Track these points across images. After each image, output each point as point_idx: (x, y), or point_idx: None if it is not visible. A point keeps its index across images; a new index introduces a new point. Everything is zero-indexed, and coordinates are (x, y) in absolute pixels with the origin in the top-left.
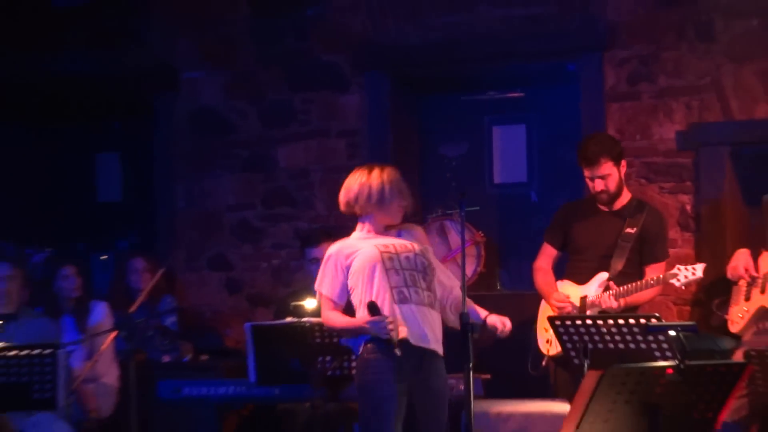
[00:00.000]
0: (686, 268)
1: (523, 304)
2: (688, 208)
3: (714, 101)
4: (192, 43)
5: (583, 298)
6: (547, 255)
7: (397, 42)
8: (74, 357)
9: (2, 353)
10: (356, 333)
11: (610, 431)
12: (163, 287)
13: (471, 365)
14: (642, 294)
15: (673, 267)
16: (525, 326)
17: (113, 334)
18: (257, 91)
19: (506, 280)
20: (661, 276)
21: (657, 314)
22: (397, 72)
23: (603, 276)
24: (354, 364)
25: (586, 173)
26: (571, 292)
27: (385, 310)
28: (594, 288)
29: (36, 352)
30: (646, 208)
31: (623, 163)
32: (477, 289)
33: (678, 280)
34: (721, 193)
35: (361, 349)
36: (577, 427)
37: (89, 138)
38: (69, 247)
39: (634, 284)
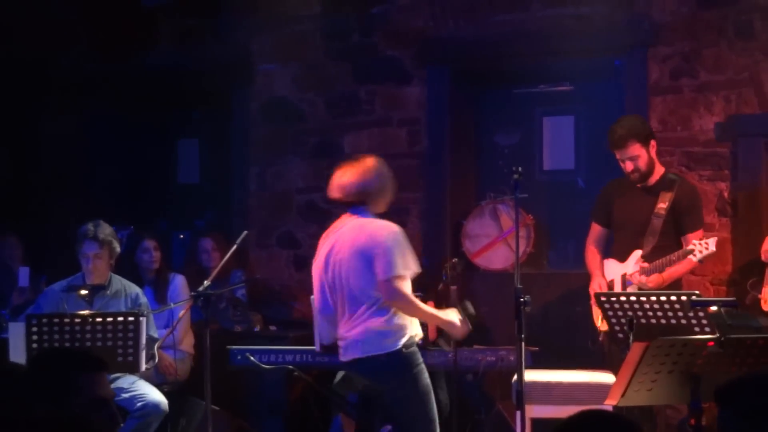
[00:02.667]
0: (700, 243)
1: (569, 282)
2: (726, 194)
3: (751, 95)
4: (267, 38)
5: (623, 276)
6: (594, 233)
7: (455, 38)
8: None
9: (91, 320)
10: (434, 323)
11: (653, 398)
12: (235, 263)
13: (523, 337)
14: (674, 269)
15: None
16: (571, 303)
17: (189, 305)
18: (326, 82)
19: (554, 260)
20: (681, 251)
21: (697, 291)
22: (456, 66)
23: (637, 253)
24: None
25: (617, 156)
26: (614, 269)
27: None
28: (631, 265)
29: (120, 319)
30: (677, 182)
31: (652, 143)
32: (526, 268)
33: (694, 255)
34: (757, 181)
35: (399, 345)
36: (623, 394)
37: (172, 126)
38: (151, 225)
39: (660, 261)
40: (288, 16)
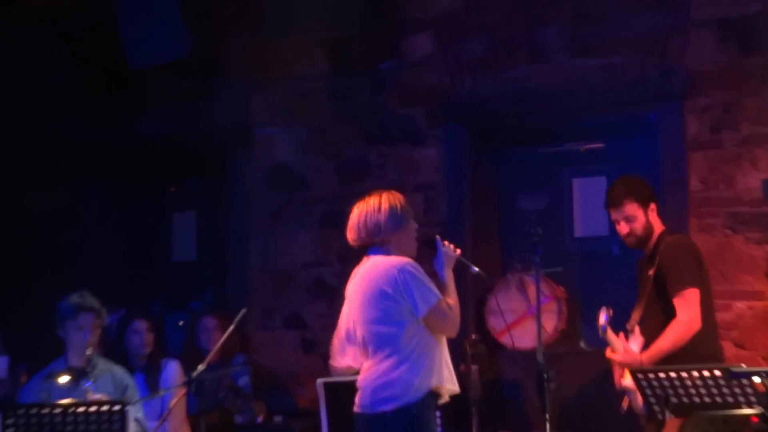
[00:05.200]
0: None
1: (607, 361)
2: None
3: None
4: (267, 99)
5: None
6: None
7: (473, 93)
8: (144, 416)
9: (71, 410)
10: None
11: None
12: (237, 346)
13: (548, 417)
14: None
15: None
16: (610, 384)
17: (183, 392)
18: (333, 146)
19: (589, 337)
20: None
21: (742, 365)
22: (474, 124)
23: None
24: None
25: (612, 215)
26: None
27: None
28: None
29: (104, 408)
30: (663, 243)
31: (652, 206)
32: (558, 347)
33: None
34: None
35: (416, 400)
36: None
37: (166, 197)
38: (144, 307)
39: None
40: (290, 75)
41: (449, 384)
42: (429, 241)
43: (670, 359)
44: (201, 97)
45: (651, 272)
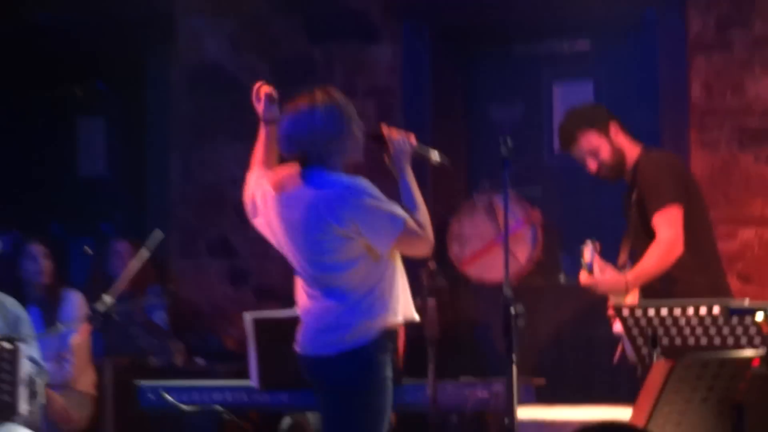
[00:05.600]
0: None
1: (589, 297)
2: None
3: None
4: None
5: None
6: None
7: None
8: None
9: None
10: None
11: None
12: (151, 275)
13: (515, 358)
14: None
15: None
16: (591, 323)
17: (86, 329)
18: (270, 42)
19: (569, 269)
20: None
21: (745, 300)
22: (439, 19)
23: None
24: None
25: (575, 156)
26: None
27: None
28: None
29: None
30: (640, 164)
31: (613, 127)
32: (534, 280)
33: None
34: None
35: (367, 342)
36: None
37: (70, 100)
38: (42, 229)
39: None
40: None
41: (406, 313)
42: (376, 135)
43: (664, 295)
44: None
45: (634, 196)
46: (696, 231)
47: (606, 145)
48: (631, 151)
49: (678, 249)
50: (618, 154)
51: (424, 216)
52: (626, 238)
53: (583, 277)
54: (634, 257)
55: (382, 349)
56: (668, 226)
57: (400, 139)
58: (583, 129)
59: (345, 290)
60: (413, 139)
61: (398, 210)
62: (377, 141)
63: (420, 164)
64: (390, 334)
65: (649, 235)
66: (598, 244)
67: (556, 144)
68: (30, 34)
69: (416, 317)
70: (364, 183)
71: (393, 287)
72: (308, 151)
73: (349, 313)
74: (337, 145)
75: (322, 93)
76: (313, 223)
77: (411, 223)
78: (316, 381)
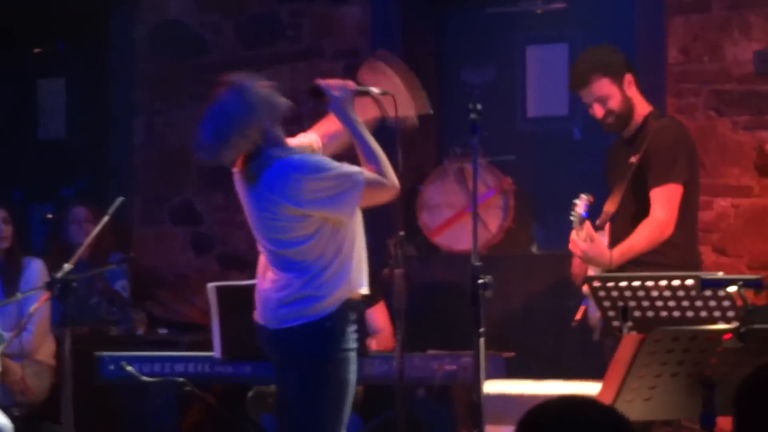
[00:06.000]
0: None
1: (561, 268)
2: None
3: None
4: None
5: None
6: None
7: None
8: None
9: None
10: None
11: (652, 411)
12: (112, 242)
13: (482, 331)
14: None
15: None
16: (563, 294)
17: (45, 296)
18: (236, 0)
19: (541, 239)
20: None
21: (720, 273)
22: None
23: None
24: None
25: (582, 99)
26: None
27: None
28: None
29: None
30: (651, 126)
31: (628, 77)
32: (505, 250)
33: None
34: None
35: (328, 313)
36: (612, 406)
37: (28, 60)
38: (1, 195)
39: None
40: None
41: (363, 286)
42: (313, 90)
43: (638, 266)
44: None
45: (634, 159)
46: (685, 208)
47: (618, 95)
48: (641, 107)
49: (669, 230)
50: (627, 106)
51: (383, 162)
52: (613, 196)
53: (573, 239)
54: (617, 216)
55: (344, 321)
56: (665, 204)
57: (338, 87)
58: (598, 75)
59: (304, 264)
60: (351, 84)
61: (351, 168)
62: (316, 96)
63: (388, 131)
64: (352, 305)
65: (637, 200)
66: (591, 197)
67: (530, 109)
68: None
69: (365, 290)
70: (312, 158)
71: (351, 259)
72: (243, 142)
73: (308, 286)
74: (265, 122)
75: (222, 86)
76: (267, 205)
77: (369, 175)
78: (278, 353)
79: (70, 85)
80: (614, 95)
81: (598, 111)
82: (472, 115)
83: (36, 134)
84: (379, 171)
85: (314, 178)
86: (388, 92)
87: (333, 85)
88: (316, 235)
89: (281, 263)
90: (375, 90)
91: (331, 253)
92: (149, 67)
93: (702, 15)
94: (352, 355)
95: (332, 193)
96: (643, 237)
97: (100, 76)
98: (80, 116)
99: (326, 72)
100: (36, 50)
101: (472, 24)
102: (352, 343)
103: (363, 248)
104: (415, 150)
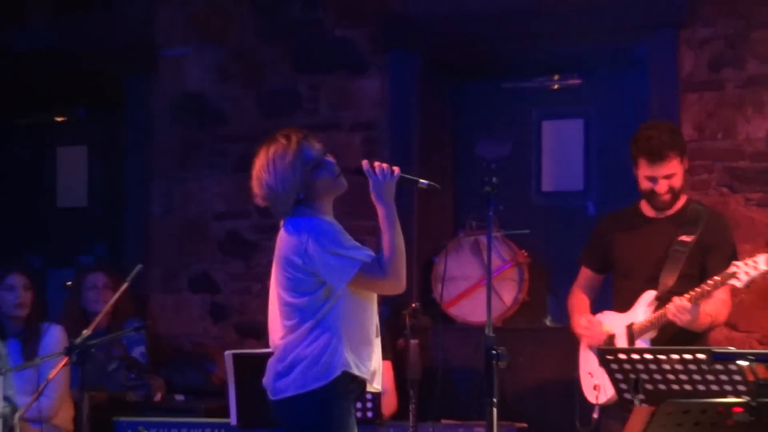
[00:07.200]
0: (746, 263)
1: (575, 341)
2: None
3: None
4: (176, 12)
5: (630, 326)
6: (582, 279)
7: (427, 14)
8: (18, 391)
9: None
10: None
11: None
12: (131, 309)
13: (495, 402)
14: (710, 309)
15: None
16: (576, 367)
17: (63, 362)
18: (255, 72)
19: (555, 311)
20: (719, 277)
21: (730, 348)
22: (427, 51)
23: (650, 295)
24: None
25: (647, 172)
26: (614, 322)
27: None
28: (641, 311)
29: None
30: (706, 212)
31: (686, 161)
32: (519, 322)
33: (738, 279)
34: None
35: (321, 384)
36: None
37: (50, 128)
38: (21, 260)
39: (694, 291)
40: None
41: (372, 382)
42: (356, 170)
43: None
44: (94, 6)
45: (686, 239)
46: None
47: (681, 176)
48: (683, 190)
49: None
50: (682, 188)
51: (396, 256)
52: (669, 269)
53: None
54: (682, 283)
55: (341, 393)
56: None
57: (381, 172)
58: (676, 152)
59: (302, 323)
60: (397, 171)
61: (357, 252)
62: (359, 175)
63: (406, 200)
64: (353, 380)
65: (697, 277)
66: None
67: (545, 183)
68: (8, 61)
69: (379, 390)
70: (327, 226)
71: (357, 335)
72: (284, 201)
73: (300, 350)
74: (302, 190)
75: (269, 142)
76: (282, 261)
77: (370, 265)
78: (280, 422)
79: (90, 154)
80: (679, 175)
81: (662, 186)
82: (488, 189)
83: (55, 201)
84: (386, 262)
85: (316, 243)
86: (434, 185)
87: (377, 168)
88: (314, 295)
89: (283, 323)
90: (422, 181)
91: (331, 319)
92: (167, 137)
93: (716, 93)
94: (349, 426)
95: (326, 263)
96: (723, 312)
97: (119, 145)
98: (100, 184)
99: (343, 144)
100: (58, 118)
101: (488, 98)
102: (350, 418)
103: (372, 335)
104: (432, 222)
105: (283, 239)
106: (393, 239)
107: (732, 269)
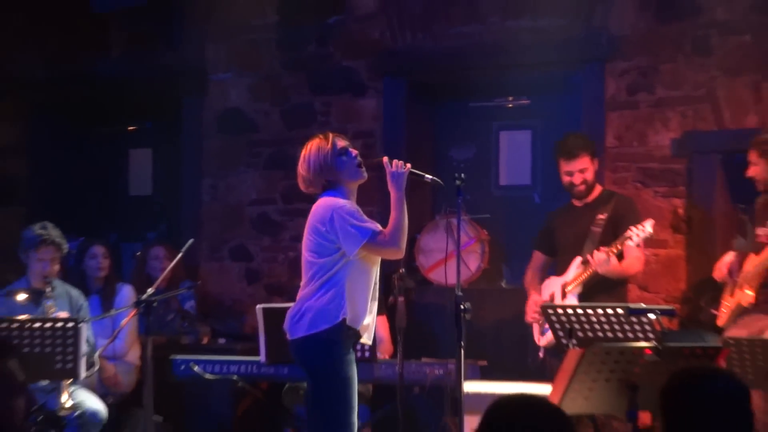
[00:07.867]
0: (638, 227)
1: (523, 299)
2: (680, 211)
3: (708, 111)
4: (221, 47)
5: (564, 285)
6: (535, 261)
7: (412, 49)
8: (98, 335)
9: (27, 325)
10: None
11: (590, 407)
12: (184, 274)
13: (462, 344)
14: (624, 263)
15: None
16: (524, 319)
17: (133, 313)
18: (280, 93)
19: (509, 276)
20: (620, 238)
21: (641, 304)
22: (412, 78)
23: (578, 260)
24: None
25: (565, 167)
26: (554, 283)
27: (367, 304)
28: (572, 272)
29: (59, 325)
30: (615, 196)
31: (596, 161)
32: (480, 284)
33: (632, 239)
34: (711, 198)
35: (326, 327)
36: (560, 402)
37: (125, 136)
38: (102, 237)
39: (605, 249)
40: (243, 25)
41: (363, 334)
42: (378, 163)
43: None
44: (158, 43)
45: (601, 216)
46: None
47: (592, 171)
48: (598, 186)
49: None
50: (594, 182)
51: (399, 231)
52: (589, 243)
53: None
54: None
55: (343, 338)
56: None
57: (396, 167)
58: (585, 152)
59: (316, 277)
60: (409, 166)
61: (369, 225)
62: (378, 168)
63: None
64: (350, 329)
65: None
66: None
67: (501, 179)
68: (93, 84)
69: (369, 342)
70: (347, 204)
71: (357, 294)
72: (316, 181)
73: (311, 301)
74: (330, 175)
75: (310, 143)
76: (310, 229)
77: (380, 236)
78: (295, 358)
79: (154, 155)
80: (590, 170)
81: (576, 178)
82: (457, 183)
83: (128, 191)
84: (392, 235)
85: (337, 215)
86: (437, 180)
87: (394, 163)
88: (328, 260)
89: (304, 281)
90: (427, 176)
91: (340, 277)
92: (214, 142)
93: (632, 111)
94: (349, 362)
95: (344, 231)
96: (633, 266)
97: (176, 149)
98: (162, 178)
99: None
100: (130, 128)
101: (458, 114)
102: (349, 355)
103: (371, 299)
104: (415, 207)
105: (313, 212)
106: (399, 216)
107: (628, 233)
